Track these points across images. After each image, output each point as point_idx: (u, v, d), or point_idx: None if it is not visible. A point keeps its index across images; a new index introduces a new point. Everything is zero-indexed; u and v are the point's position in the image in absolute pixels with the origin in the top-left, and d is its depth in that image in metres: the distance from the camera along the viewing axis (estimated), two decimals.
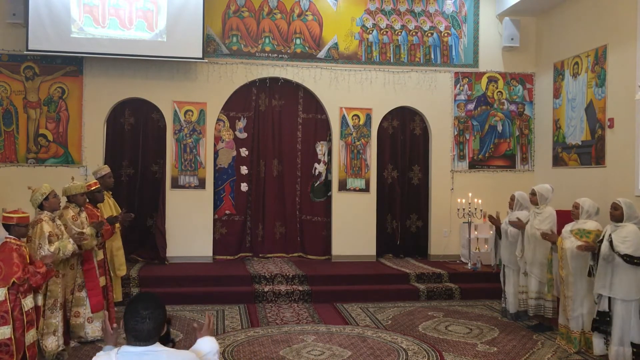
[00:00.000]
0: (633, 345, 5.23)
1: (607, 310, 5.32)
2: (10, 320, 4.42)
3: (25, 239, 4.87)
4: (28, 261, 4.68)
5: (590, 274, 5.52)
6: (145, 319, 2.59)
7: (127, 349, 2.57)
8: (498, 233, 7.15)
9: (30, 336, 4.61)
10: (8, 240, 4.64)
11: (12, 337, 4.42)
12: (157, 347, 2.59)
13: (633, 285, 5.21)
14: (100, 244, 6.05)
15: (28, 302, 4.62)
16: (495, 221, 7.17)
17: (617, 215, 5.41)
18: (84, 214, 5.85)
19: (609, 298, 5.30)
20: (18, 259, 4.56)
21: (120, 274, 6.77)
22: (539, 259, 6.40)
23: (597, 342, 5.47)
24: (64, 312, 5.44)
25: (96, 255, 5.92)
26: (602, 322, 5.36)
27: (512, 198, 7.07)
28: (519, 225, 6.58)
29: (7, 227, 4.69)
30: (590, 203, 5.89)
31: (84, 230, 5.62)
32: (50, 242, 5.10)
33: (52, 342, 5.22)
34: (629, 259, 5.16)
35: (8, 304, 4.43)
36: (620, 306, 5.25)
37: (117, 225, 6.50)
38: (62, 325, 5.35)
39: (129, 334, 2.58)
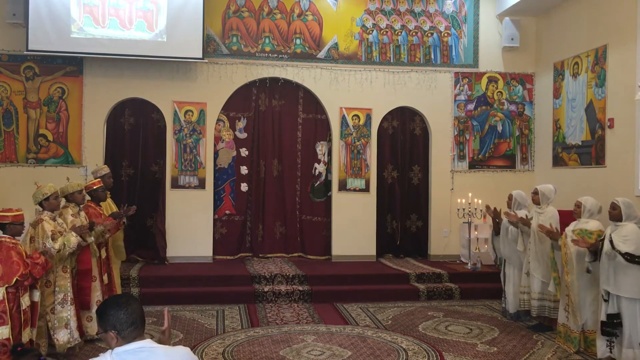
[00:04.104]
0: None
1: (617, 312, 5.25)
2: (9, 320, 4.42)
3: (20, 238, 4.86)
4: (25, 257, 4.68)
5: (588, 270, 5.55)
6: (128, 302, 2.57)
7: (121, 349, 2.50)
8: (496, 229, 7.12)
9: (26, 335, 4.61)
10: (3, 239, 4.63)
11: (11, 337, 4.41)
12: (152, 344, 2.55)
13: (638, 283, 5.18)
14: (104, 241, 6.07)
15: (25, 300, 4.62)
16: (497, 215, 7.12)
17: (615, 214, 5.40)
18: (83, 213, 5.87)
19: (616, 299, 5.26)
20: (17, 257, 4.55)
21: (121, 259, 6.86)
22: (544, 259, 6.39)
23: (600, 345, 5.41)
24: (76, 307, 5.46)
25: (95, 254, 5.92)
26: (612, 325, 5.29)
27: (510, 197, 7.06)
28: (526, 223, 6.54)
29: (2, 227, 4.68)
30: (592, 202, 5.89)
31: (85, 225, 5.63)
32: (53, 239, 5.12)
33: (64, 336, 5.28)
34: (629, 258, 5.14)
35: (6, 303, 4.42)
36: (626, 305, 5.21)
37: (124, 221, 6.56)
38: (75, 320, 5.38)
39: (125, 327, 2.51)
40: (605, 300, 5.33)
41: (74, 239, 5.29)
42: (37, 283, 4.84)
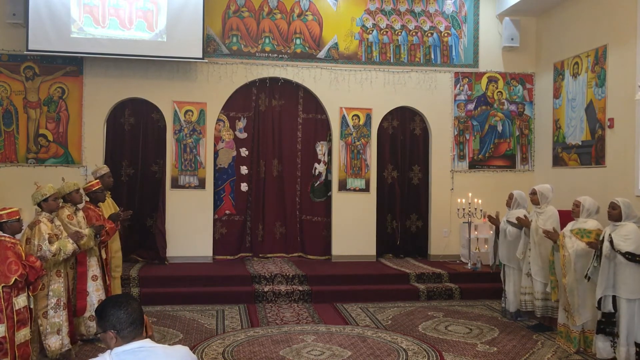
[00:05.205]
0: (637, 345, 5.21)
1: (612, 311, 5.28)
2: (4, 319, 4.41)
3: (19, 235, 4.84)
4: (24, 258, 4.67)
5: (587, 276, 5.51)
6: (128, 302, 2.56)
7: (120, 349, 2.49)
8: (497, 233, 7.14)
9: (22, 335, 4.58)
10: (3, 238, 4.61)
11: (6, 335, 4.40)
12: (151, 343, 2.53)
13: (637, 282, 5.19)
14: (102, 243, 6.06)
15: (20, 301, 4.58)
16: (494, 220, 7.17)
17: (615, 214, 5.41)
18: (80, 214, 5.82)
19: (613, 298, 5.27)
20: (14, 257, 4.53)
21: (117, 275, 6.76)
22: (544, 261, 6.37)
23: (603, 346, 5.38)
24: (68, 312, 5.41)
25: (95, 253, 5.91)
26: (609, 324, 5.32)
27: (510, 197, 7.07)
28: (525, 222, 6.54)
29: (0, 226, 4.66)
30: (590, 201, 5.89)
31: (82, 231, 5.58)
32: (50, 242, 5.09)
33: (56, 342, 5.20)
34: (630, 257, 5.15)
35: (2, 302, 4.41)
36: (625, 305, 5.22)
37: (119, 224, 6.54)
38: (67, 325, 5.32)
39: (125, 327, 2.50)
40: (598, 309, 5.35)
41: (70, 246, 5.25)
42: (32, 288, 4.75)
